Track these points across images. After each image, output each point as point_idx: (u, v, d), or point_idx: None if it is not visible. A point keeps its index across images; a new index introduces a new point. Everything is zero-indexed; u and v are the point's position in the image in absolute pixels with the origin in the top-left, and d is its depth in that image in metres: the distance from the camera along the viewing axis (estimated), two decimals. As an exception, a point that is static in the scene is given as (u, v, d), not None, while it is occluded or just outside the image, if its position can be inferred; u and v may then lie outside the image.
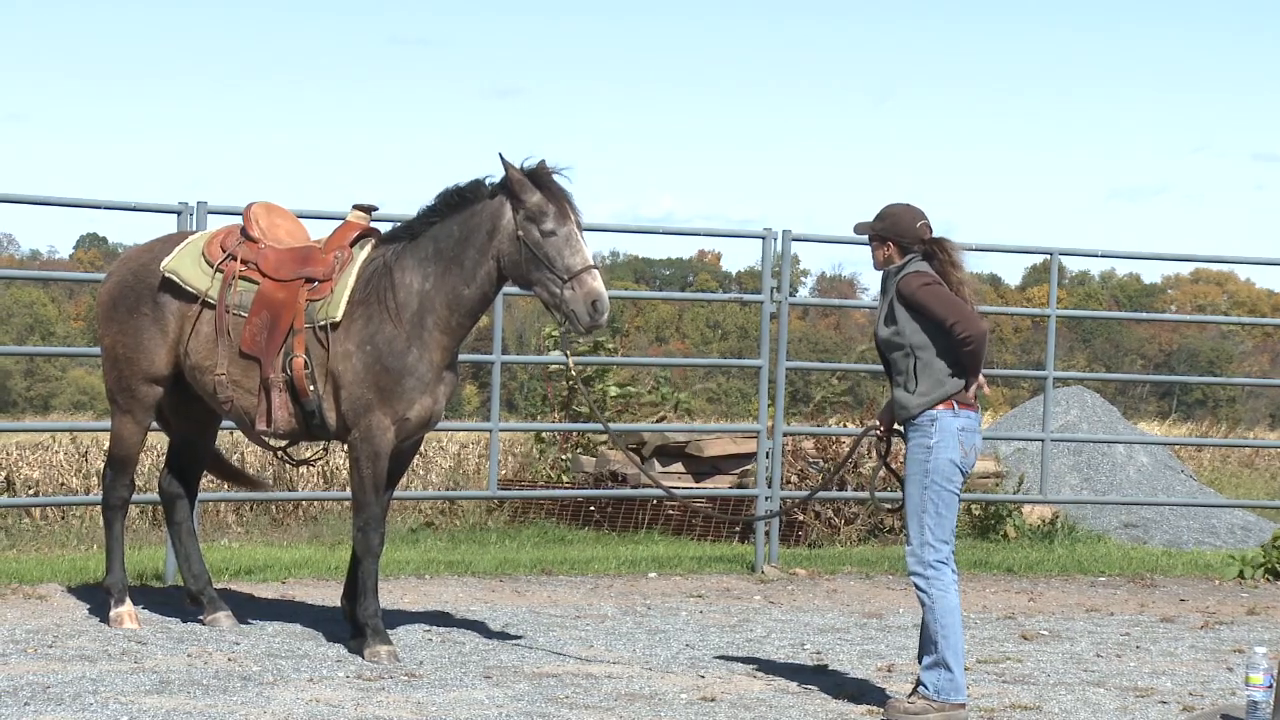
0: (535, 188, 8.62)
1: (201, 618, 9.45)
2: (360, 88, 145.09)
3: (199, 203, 10.93)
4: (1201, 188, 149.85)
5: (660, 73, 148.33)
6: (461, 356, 9.37)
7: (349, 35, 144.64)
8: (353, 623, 8.94)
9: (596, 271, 8.59)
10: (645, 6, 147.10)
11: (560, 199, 8.63)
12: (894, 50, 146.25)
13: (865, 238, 7.90)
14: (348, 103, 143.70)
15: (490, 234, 8.70)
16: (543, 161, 8.68)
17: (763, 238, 12.57)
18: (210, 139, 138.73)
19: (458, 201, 8.81)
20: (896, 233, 7.71)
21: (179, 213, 10.98)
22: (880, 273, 7.83)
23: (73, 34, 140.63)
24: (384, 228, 9.48)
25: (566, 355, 9.36)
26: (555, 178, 8.67)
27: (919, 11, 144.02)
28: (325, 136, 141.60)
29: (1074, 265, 72.58)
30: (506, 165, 8.65)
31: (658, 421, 17.89)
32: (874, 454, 8.04)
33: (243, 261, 9.01)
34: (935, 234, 7.75)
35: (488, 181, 8.79)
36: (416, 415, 8.77)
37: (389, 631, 8.83)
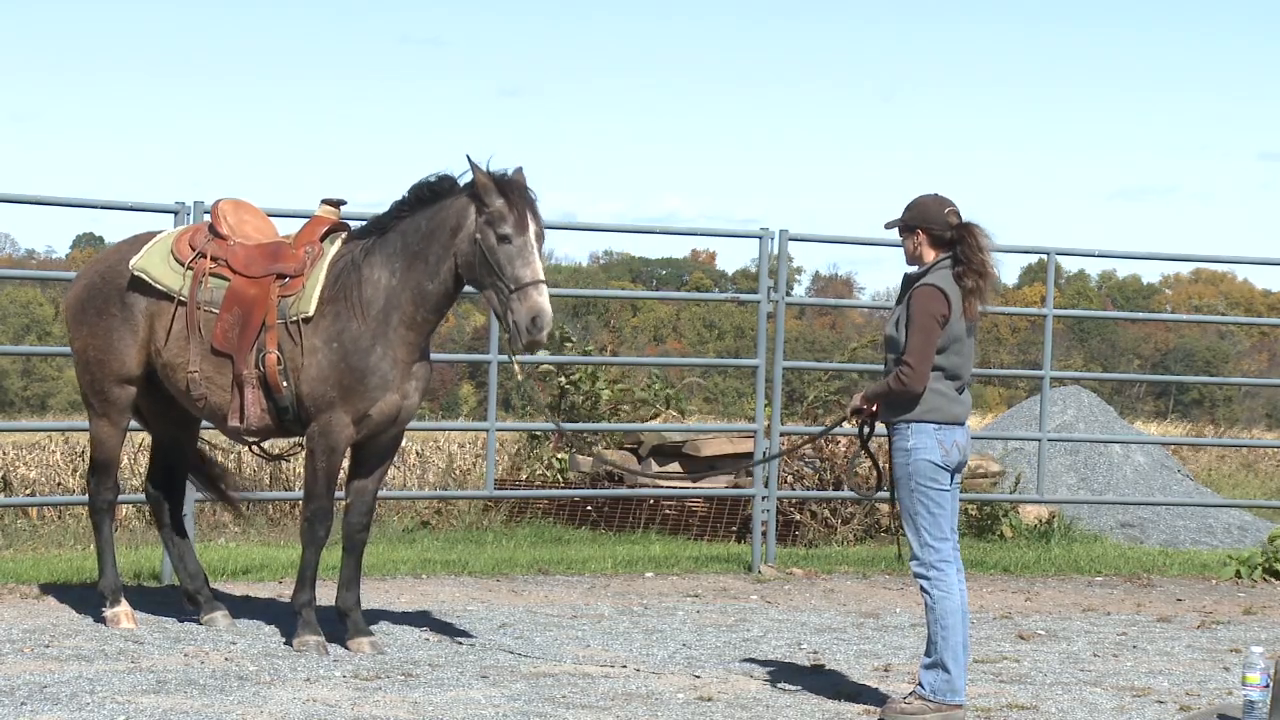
0: (499, 193, 8.54)
1: (198, 617, 9.45)
2: (369, 87, 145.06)
3: (195, 202, 10.93)
4: (1207, 187, 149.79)
5: (666, 72, 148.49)
6: (457, 356, 9.34)
7: (359, 35, 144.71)
8: (339, 617, 8.97)
9: (544, 286, 8.46)
10: (651, 7, 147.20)
11: (522, 208, 8.52)
12: (897, 50, 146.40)
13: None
14: (356, 102, 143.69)
15: (453, 231, 8.65)
16: (519, 169, 8.62)
17: (760, 237, 12.55)
18: (212, 139, 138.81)
19: (428, 196, 8.78)
20: (924, 220, 7.69)
21: (175, 212, 10.98)
22: (909, 268, 7.81)
23: (72, 34, 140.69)
24: (360, 223, 9.45)
25: (511, 357, 8.95)
26: (523, 187, 8.55)
27: (922, 11, 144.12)
28: (332, 136, 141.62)
29: (1072, 265, 72.53)
30: (474, 166, 8.58)
31: (654, 418, 17.88)
32: (857, 438, 8.03)
33: (212, 258, 9.01)
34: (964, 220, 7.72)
35: (461, 178, 8.74)
36: (379, 412, 8.75)
37: (385, 631, 8.82)
